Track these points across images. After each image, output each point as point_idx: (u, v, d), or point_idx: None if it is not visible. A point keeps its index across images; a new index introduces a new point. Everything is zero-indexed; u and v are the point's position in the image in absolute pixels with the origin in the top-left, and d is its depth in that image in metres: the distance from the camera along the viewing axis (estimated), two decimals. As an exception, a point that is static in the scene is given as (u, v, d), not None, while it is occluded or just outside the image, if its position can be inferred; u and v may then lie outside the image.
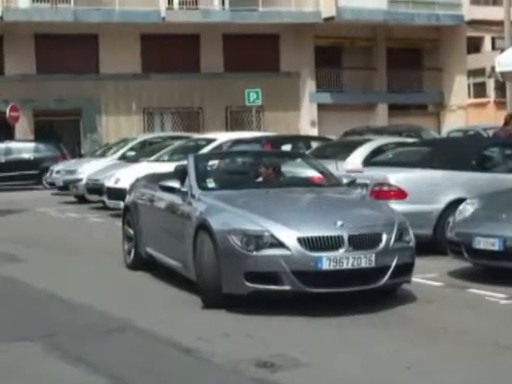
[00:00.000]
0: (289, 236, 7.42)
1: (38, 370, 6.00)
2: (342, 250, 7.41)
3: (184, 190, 8.72)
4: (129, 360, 6.26)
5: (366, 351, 6.34)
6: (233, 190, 8.84)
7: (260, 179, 9.56)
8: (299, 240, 7.39)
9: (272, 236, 7.41)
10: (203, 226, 7.87)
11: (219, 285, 7.59)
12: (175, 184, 8.81)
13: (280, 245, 7.39)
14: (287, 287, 7.38)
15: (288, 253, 7.35)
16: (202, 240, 7.84)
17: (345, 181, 9.36)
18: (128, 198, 10.64)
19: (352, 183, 9.46)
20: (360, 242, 7.51)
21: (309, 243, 7.39)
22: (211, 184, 9.03)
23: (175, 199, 8.85)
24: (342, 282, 7.46)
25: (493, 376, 5.70)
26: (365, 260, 7.46)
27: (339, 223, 7.56)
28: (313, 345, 6.51)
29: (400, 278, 7.84)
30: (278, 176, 9.74)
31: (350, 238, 7.47)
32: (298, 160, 10.62)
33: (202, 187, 8.75)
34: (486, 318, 7.45)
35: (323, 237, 7.43)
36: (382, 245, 7.60)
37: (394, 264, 7.62)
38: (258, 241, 7.41)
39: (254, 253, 7.40)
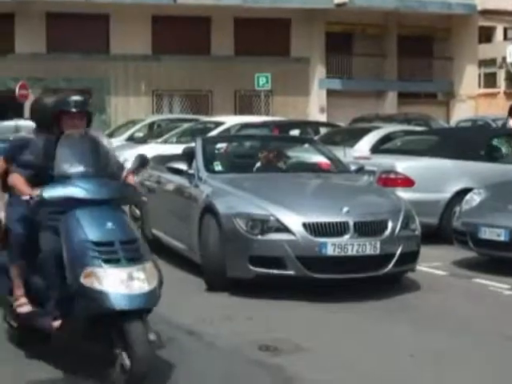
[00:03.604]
0: (294, 221, 7.41)
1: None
2: (346, 237, 7.40)
3: (191, 172, 8.71)
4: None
5: (369, 338, 6.35)
6: (240, 174, 8.84)
7: (268, 164, 9.54)
8: (304, 225, 7.38)
9: (277, 220, 7.41)
10: (209, 209, 7.86)
11: (224, 268, 7.60)
12: (182, 166, 8.79)
13: (285, 229, 7.38)
14: (291, 272, 7.38)
15: (293, 238, 7.35)
16: (207, 223, 7.84)
17: (353, 167, 9.34)
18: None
19: (360, 170, 9.43)
20: (365, 229, 7.51)
21: (314, 229, 7.37)
22: (218, 167, 9.02)
23: (182, 181, 8.86)
24: (346, 268, 7.45)
25: (496, 365, 5.71)
26: (370, 247, 7.45)
27: (345, 209, 7.55)
28: (315, 330, 6.52)
29: (405, 266, 7.84)
30: (286, 161, 9.72)
31: (356, 224, 7.45)
32: (306, 145, 10.61)
33: (210, 170, 8.74)
34: (489, 308, 7.46)
35: (328, 223, 7.42)
36: (387, 232, 7.59)
37: (398, 252, 7.61)
38: (263, 225, 7.40)
39: (259, 237, 7.40)
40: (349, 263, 7.44)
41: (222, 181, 8.43)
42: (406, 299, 7.63)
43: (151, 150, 16.77)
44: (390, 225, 7.63)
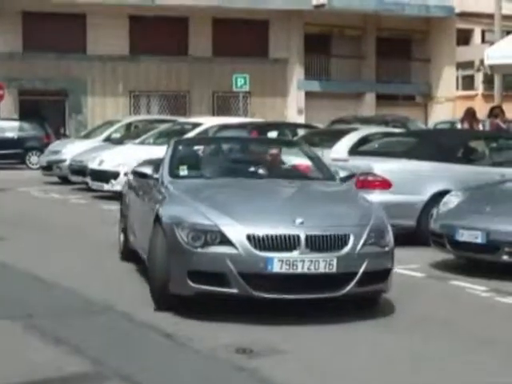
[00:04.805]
0: (237, 232, 6.61)
1: (17, 350, 5.94)
2: (296, 252, 6.56)
3: (156, 176, 8.11)
4: (110, 342, 6.22)
5: (345, 341, 6.32)
6: (205, 180, 8.13)
7: (241, 169, 9.01)
8: (248, 238, 6.57)
9: (219, 232, 6.63)
10: (158, 218, 7.19)
11: (167, 284, 6.86)
12: (147, 170, 8.24)
13: (227, 242, 6.60)
14: (234, 290, 6.60)
15: (235, 251, 6.56)
16: (155, 233, 7.11)
17: (341, 174, 8.45)
18: (124, 185, 10.29)
19: (348, 178, 8.58)
20: (320, 244, 6.62)
21: (259, 242, 6.56)
22: (184, 172, 8.32)
23: (149, 187, 8.31)
24: (295, 287, 6.65)
25: (472, 368, 5.70)
26: (324, 264, 6.56)
27: (298, 221, 6.67)
28: (293, 333, 6.48)
29: (371, 286, 6.91)
30: (263, 166, 9.16)
31: (308, 238, 6.57)
32: (293, 148, 10.10)
33: (173, 175, 8.08)
34: (466, 310, 7.46)
35: (276, 235, 6.59)
36: (346, 248, 6.68)
37: (361, 270, 6.70)
38: (205, 236, 6.64)
39: (199, 250, 6.63)
40: (299, 282, 6.62)
41: (182, 187, 7.74)
42: (382, 301, 7.59)
43: (128, 150, 16.76)
44: (351, 239, 6.70)
